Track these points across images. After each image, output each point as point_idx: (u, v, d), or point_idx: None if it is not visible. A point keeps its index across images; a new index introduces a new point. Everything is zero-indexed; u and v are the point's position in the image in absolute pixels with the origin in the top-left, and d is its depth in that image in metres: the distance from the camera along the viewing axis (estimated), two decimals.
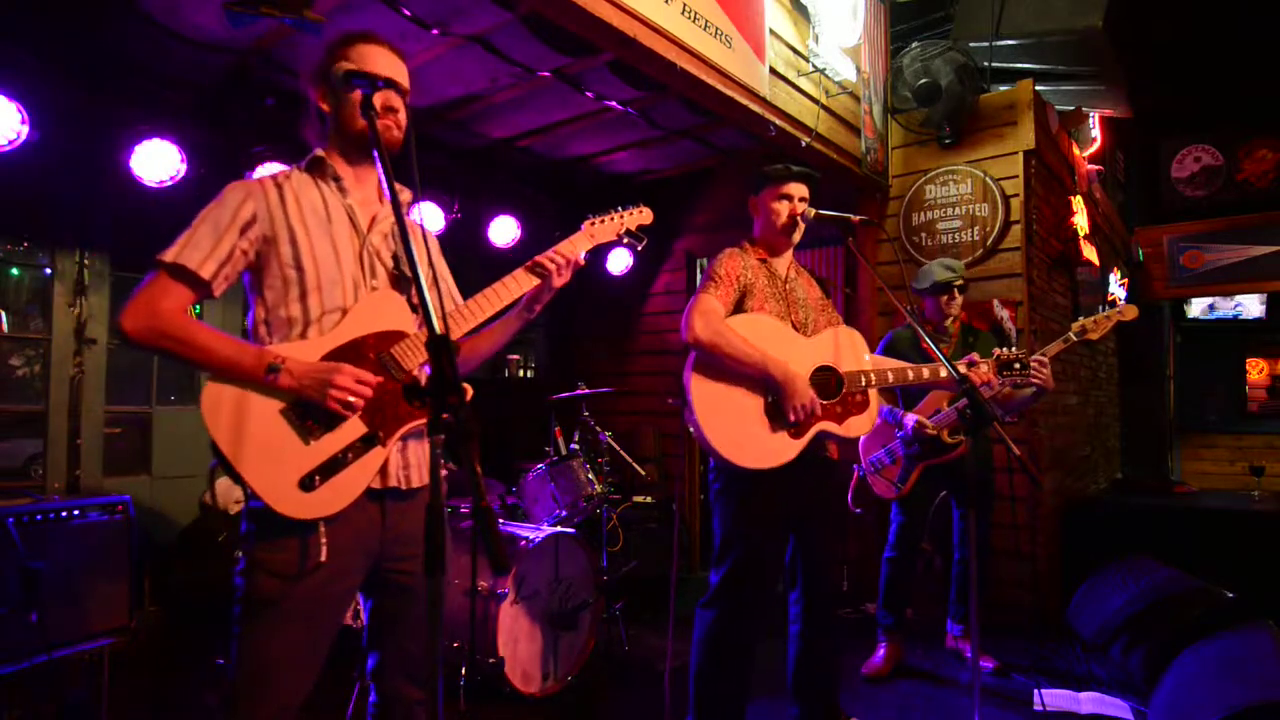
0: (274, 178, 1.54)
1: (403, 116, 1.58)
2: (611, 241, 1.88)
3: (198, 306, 4.09)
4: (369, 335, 1.51)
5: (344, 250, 1.53)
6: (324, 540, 1.41)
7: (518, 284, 1.69)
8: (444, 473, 1.67)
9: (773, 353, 2.23)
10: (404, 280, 1.60)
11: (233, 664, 1.41)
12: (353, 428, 1.46)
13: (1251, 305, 8.55)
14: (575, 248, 1.75)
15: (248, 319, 1.54)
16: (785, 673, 2.54)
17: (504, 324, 1.78)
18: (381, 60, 1.57)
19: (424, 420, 1.54)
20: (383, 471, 1.50)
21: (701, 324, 2.21)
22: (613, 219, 1.86)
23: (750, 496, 2.27)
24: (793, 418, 2.21)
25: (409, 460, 1.56)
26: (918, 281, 3.43)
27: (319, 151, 1.59)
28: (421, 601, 1.59)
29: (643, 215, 1.91)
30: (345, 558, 1.46)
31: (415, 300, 1.62)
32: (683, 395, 2.24)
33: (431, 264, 1.70)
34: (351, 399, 1.42)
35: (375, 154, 1.35)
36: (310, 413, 1.43)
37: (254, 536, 1.42)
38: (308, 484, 1.40)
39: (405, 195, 1.66)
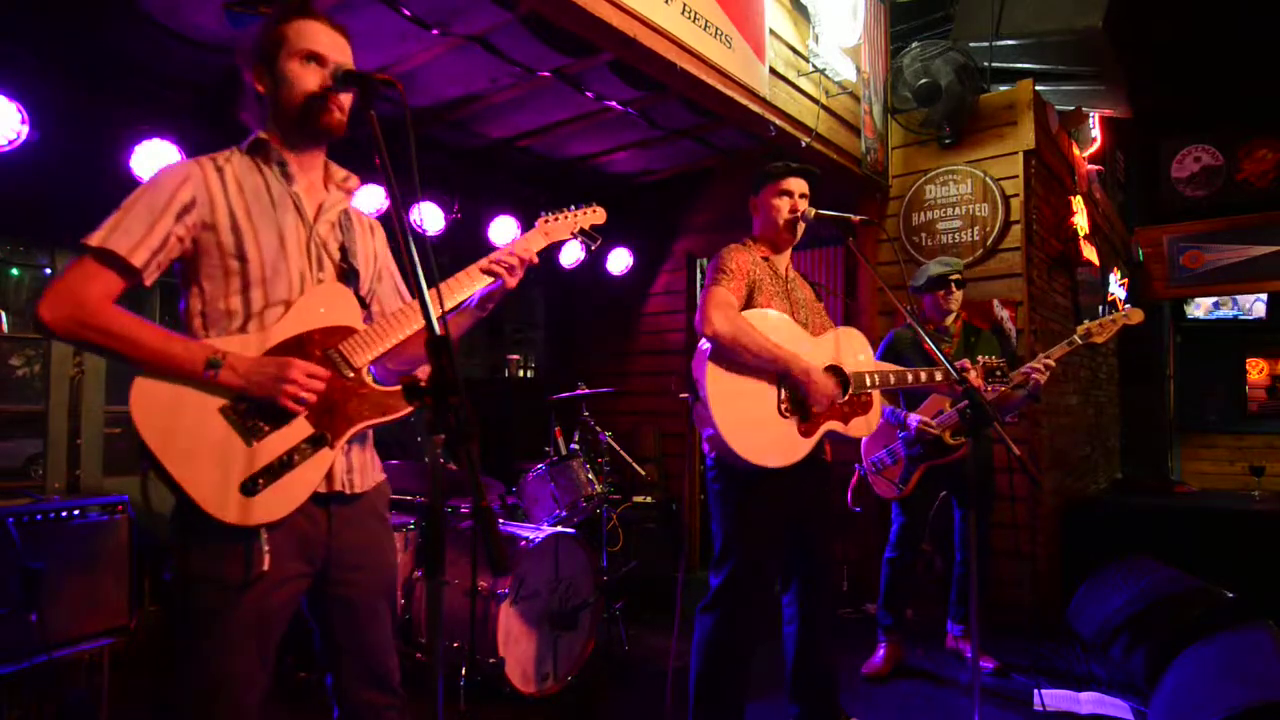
0: (213, 159, 1.44)
1: (345, 99, 1.50)
2: (564, 239, 1.84)
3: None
4: (314, 330, 1.43)
5: (290, 240, 1.44)
6: (266, 548, 1.33)
7: (470, 281, 1.61)
8: (382, 477, 1.61)
9: (787, 348, 2.23)
10: (351, 273, 1.53)
11: (179, 680, 1.33)
12: (299, 428, 1.38)
13: (1254, 305, 8.55)
14: (529, 246, 1.69)
15: (179, 309, 1.43)
16: (785, 673, 2.54)
17: (454, 321, 1.69)
18: (321, 37, 1.47)
19: (373, 421, 1.48)
20: (328, 475, 1.43)
21: (720, 317, 2.19)
22: (567, 217, 1.83)
23: (751, 497, 2.27)
24: (817, 410, 2.22)
25: (353, 464, 1.50)
26: (915, 280, 3.44)
27: (261, 133, 1.48)
28: (369, 611, 1.52)
29: (596, 214, 1.87)
30: (289, 564, 1.39)
31: (362, 294, 1.56)
32: (694, 390, 2.23)
33: (376, 255, 1.63)
34: (304, 395, 1.35)
35: (376, 155, 1.31)
36: (254, 412, 1.34)
37: (189, 546, 1.33)
38: (250, 488, 1.31)
39: (353, 183, 1.61)
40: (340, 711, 1.55)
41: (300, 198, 1.50)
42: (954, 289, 3.34)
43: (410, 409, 1.46)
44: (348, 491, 1.48)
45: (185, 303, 1.42)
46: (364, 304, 1.58)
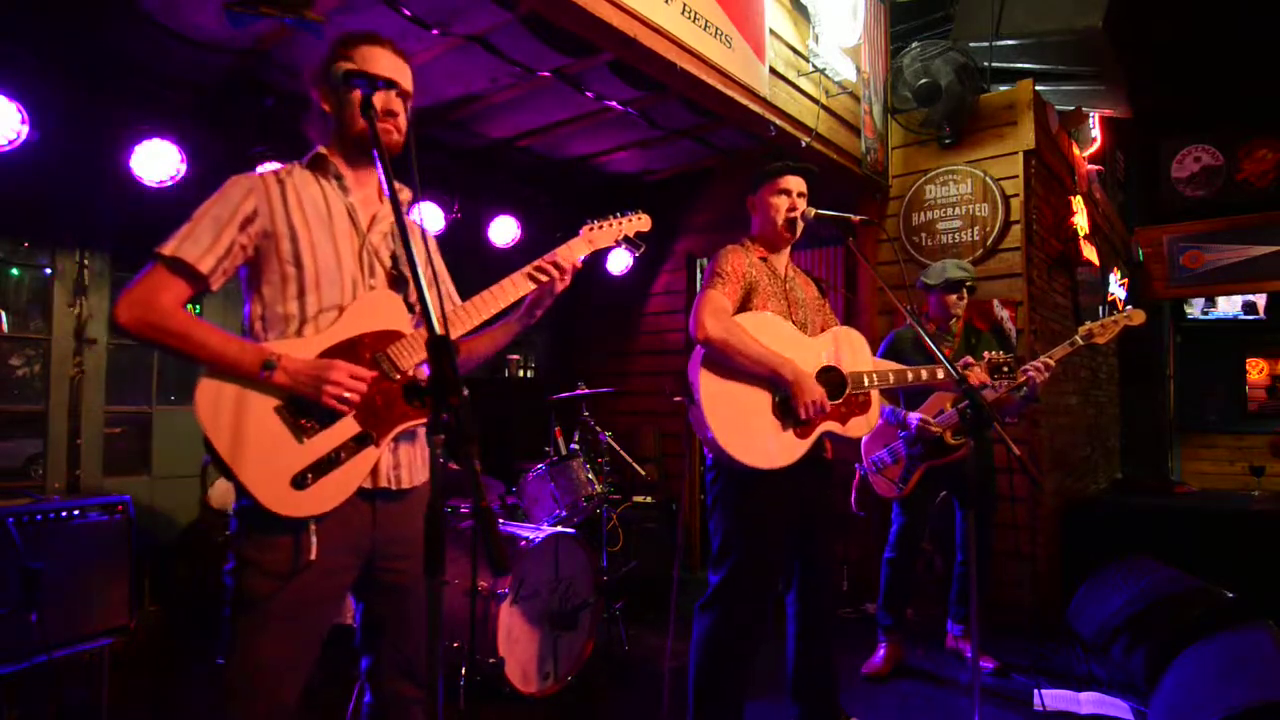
0: (275, 173, 1.54)
1: (403, 120, 1.58)
2: (608, 247, 1.87)
3: (198, 305, 4.09)
4: (365, 334, 1.51)
5: (344, 248, 1.53)
6: (314, 539, 1.40)
7: (515, 288, 1.68)
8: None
9: (781, 352, 2.23)
10: (401, 280, 1.59)
11: (226, 663, 1.40)
12: (346, 427, 1.46)
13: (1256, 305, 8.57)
14: (573, 253, 1.74)
15: (244, 314, 1.53)
16: (785, 673, 2.54)
17: (504, 327, 1.77)
18: (384, 61, 1.56)
19: (418, 421, 1.54)
20: (374, 472, 1.50)
21: (712, 322, 2.19)
22: (611, 225, 1.86)
23: (750, 497, 2.27)
24: (804, 415, 2.20)
25: (400, 461, 1.56)
26: (928, 277, 3.41)
27: (321, 148, 1.58)
28: (414, 601, 1.59)
29: (641, 221, 1.91)
30: (336, 556, 1.46)
31: (413, 300, 1.61)
32: (689, 393, 2.23)
33: (431, 264, 1.69)
34: (347, 395, 1.42)
35: (375, 154, 1.35)
36: (304, 410, 1.42)
37: (244, 535, 1.42)
38: (300, 482, 1.39)
39: (405, 195, 1.66)
40: (373, 698, 1.60)
41: (355, 209, 1.58)
42: (966, 295, 3.34)
43: None
44: (393, 487, 1.54)
45: (248, 307, 1.51)
46: (413, 310, 1.63)
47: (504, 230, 4.73)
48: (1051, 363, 2.97)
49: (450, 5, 2.99)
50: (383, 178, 1.51)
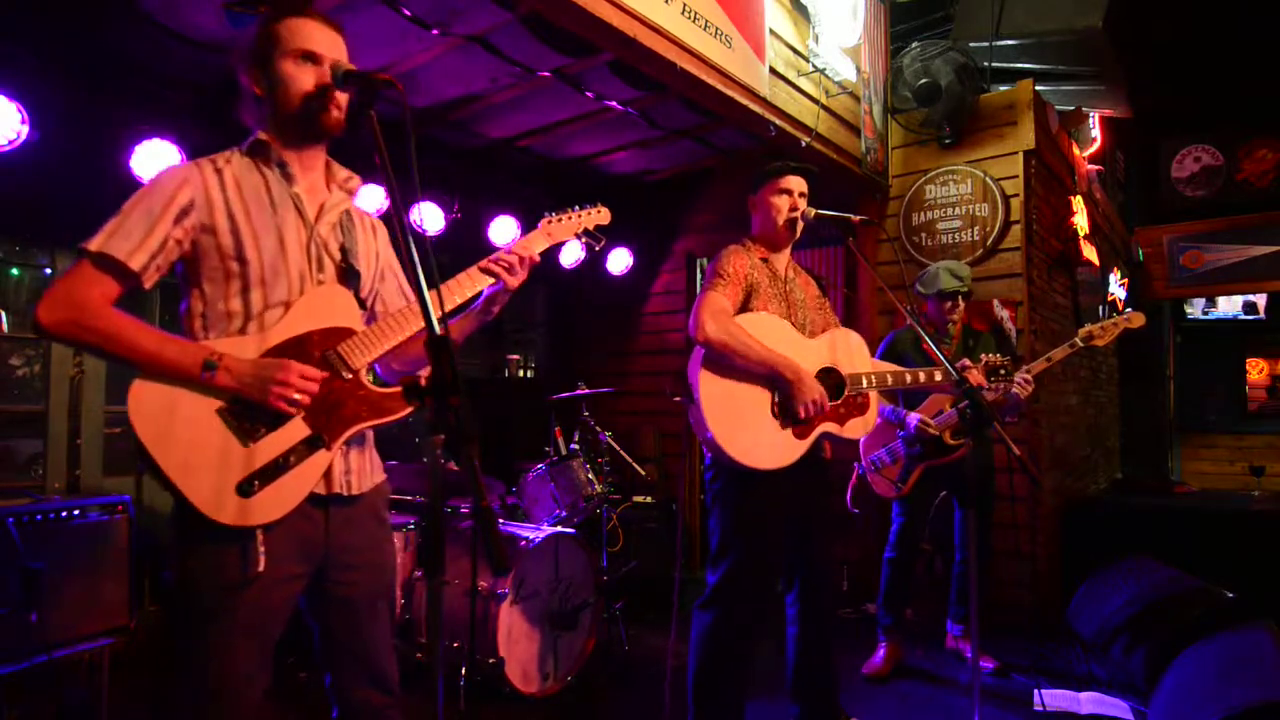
0: (213, 160, 1.44)
1: (343, 97, 1.48)
2: (566, 240, 1.82)
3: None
4: (314, 331, 1.42)
5: (290, 240, 1.43)
6: (262, 549, 1.32)
7: (471, 282, 1.60)
8: (383, 478, 1.60)
9: (780, 352, 2.23)
10: (352, 274, 1.52)
11: (180, 680, 1.33)
12: (295, 429, 1.37)
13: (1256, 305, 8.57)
14: (530, 247, 1.67)
15: (180, 311, 1.43)
16: (785, 673, 2.54)
17: (458, 324, 1.68)
18: (317, 35, 1.45)
19: (371, 423, 1.47)
20: (327, 476, 1.43)
21: (712, 323, 2.19)
22: (570, 217, 1.81)
23: (749, 497, 2.27)
24: (803, 414, 2.20)
25: (351, 465, 1.49)
26: (923, 285, 3.42)
27: (261, 134, 1.48)
28: (369, 610, 1.52)
29: (600, 214, 1.86)
30: (286, 564, 1.38)
31: (364, 295, 1.56)
32: (689, 393, 2.23)
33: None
34: (296, 396, 1.34)
35: (376, 155, 1.30)
36: (250, 413, 1.34)
37: (186, 545, 1.33)
38: (246, 489, 1.31)
39: (354, 183, 1.61)
40: (339, 711, 1.54)
41: (301, 198, 1.49)
42: (960, 302, 3.35)
43: (408, 410, 1.45)
44: (346, 493, 1.47)
45: (186, 304, 1.42)
46: (365, 305, 1.58)
47: (504, 230, 4.72)
48: (1029, 377, 2.98)
49: (450, 5, 2.99)
50: (386, 179, 1.49)
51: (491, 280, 1.62)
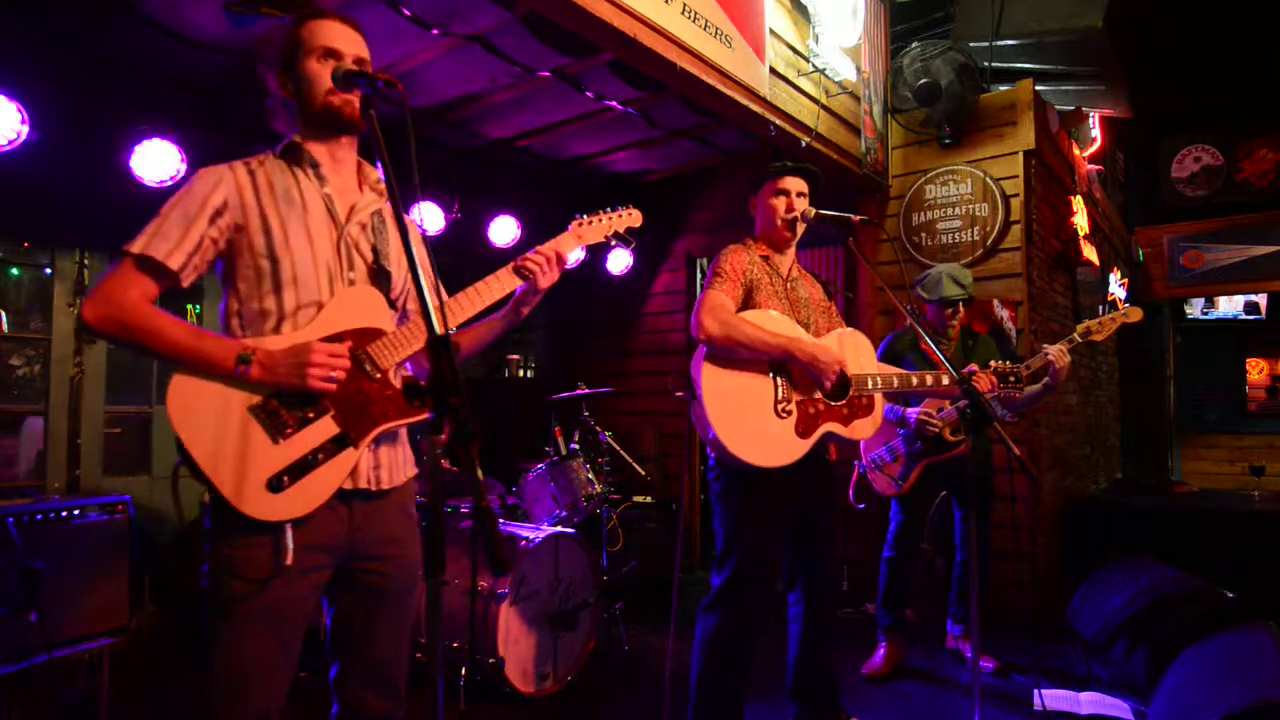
0: (246, 163, 1.49)
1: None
2: (599, 242, 1.83)
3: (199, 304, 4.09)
4: (345, 332, 1.45)
5: (320, 241, 1.47)
6: (290, 543, 1.36)
7: (501, 284, 1.63)
8: (415, 472, 1.65)
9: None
10: (383, 274, 1.54)
11: (207, 670, 1.36)
12: (325, 428, 1.41)
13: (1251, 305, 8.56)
14: (561, 248, 1.69)
15: (220, 311, 1.48)
16: (785, 673, 2.54)
17: (489, 324, 1.71)
18: (337, 33, 1.50)
19: (398, 422, 1.49)
20: (353, 472, 1.45)
21: (712, 320, 2.19)
22: (601, 220, 1.81)
23: (752, 496, 2.27)
24: (829, 384, 2.21)
25: (380, 461, 1.51)
26: (925, 290, 3.39)
27: (295, 137, 1.53)
28: (388, 606, 1.53)
29: (632, 217, 1.86)
30: (311, 557, 1.41)
31: (394, 296, 1.57)
32: (691, 390, 2.23)
33: (412, 256, 1.67)
34: (332, 373, 1.38)
35: (376, 155, 1.31)
36: (281, 410, 1.37)
37: (218, 536, 1.37)
38: (276, 485, 1.34)
39: (374, 174, 1.62)
40: (339, 708, 1.54)
41: (332, 199, 1.52)
42: (961, 309, 3.34)
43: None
44: (373, 489, 1.50)
45: (225, 304, 1.46)
46: (396, 305, 1.59)
47: (504, 230, 4.73)
48: (1067, 347, 2.96)
49: (450, 5, 2.99)
50: (383, 174, 1.48)
51: (521, 281, 1.65)
